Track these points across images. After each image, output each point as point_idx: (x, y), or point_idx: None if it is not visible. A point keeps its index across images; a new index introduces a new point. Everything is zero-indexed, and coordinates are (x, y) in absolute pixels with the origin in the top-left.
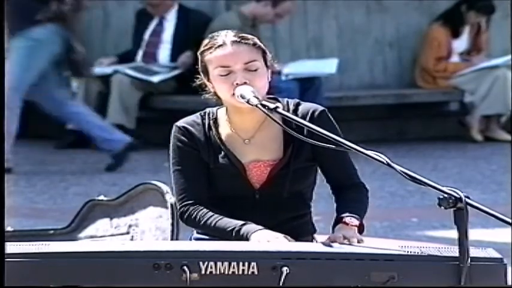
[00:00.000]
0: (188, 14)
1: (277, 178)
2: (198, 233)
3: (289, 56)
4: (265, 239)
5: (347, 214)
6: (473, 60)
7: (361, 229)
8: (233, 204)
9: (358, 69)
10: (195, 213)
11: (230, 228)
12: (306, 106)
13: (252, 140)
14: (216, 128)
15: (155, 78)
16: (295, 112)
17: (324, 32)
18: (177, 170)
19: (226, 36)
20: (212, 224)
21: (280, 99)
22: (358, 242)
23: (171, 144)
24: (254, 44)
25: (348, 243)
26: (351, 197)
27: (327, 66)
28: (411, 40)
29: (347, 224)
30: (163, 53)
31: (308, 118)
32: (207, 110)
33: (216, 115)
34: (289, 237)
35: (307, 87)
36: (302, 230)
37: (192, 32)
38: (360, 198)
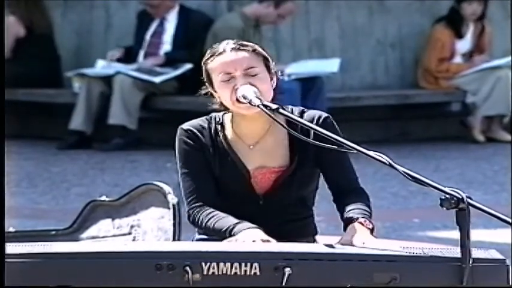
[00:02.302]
0: (189, 14)
1: (283, 185)
2: (199, 233)
3: (291, 57)
4: (250, 237)
5: (361, 215)
6: (475, 61)
7: (372, 232)
8: (237, 209)
9: (360, 69)
10: (199, 215)
11: (225, 228)
12: (311, 113)
13: (257, 146)
14: (223, 132)
15: (157, 79)
16: (300, 118)
17: (326, 33)
18: (184, 173)
19: (226, 44)
20: (212, 226)
21: (284, 106)
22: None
23: (177, 147)
24: (254, 51)
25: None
26: (358, 200)
27: (329, 66)
28: (413, 41)
29: (362, 224)
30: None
31: (314, 124)
32: (213, 114)
33: (222, 120)
34: (275, 241)
35: (309, 87)
36: (303, 232)
37: (193, 32)
38: (365, 202)
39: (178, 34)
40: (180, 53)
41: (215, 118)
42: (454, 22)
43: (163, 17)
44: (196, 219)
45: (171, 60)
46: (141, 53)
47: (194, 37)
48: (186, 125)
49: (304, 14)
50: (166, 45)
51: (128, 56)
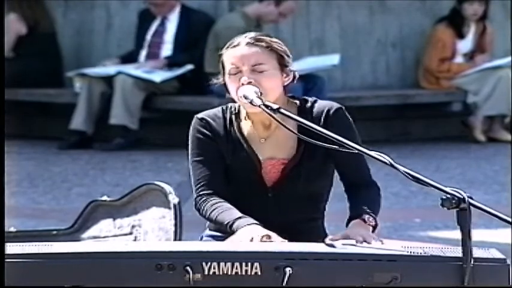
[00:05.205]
0: (190, 14)
1: (290, 177)
2: (210, 229)
3: (292, 57)
4: (248, 235)
5: (365, 212)
6: (476, 61)
7: (374, 229)
8: (247, 201)
9: (360, 69)
10: (204, 204)
11: (226, 222)
12: (321, 104)
13: (268, 139)
14: (237, 122)
15: (157, 78)
16: (311, 110)
17: (327, 33)
18: (195, 161)
19: (244, 37)
20: (215, 217)
21: (297, 96)
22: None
23: (190, 135)
24: (267, 47)
25: (365, 242)
26: (366, 196)
27: (329, 60)
28: (414, 40)
29: (365, 221)
30: (166, 53)
31: (323, 116)
32: (229, 104)
33: (238, 110)
34: (280, 238)
35: (309, 87)
36: (313, 233)
37: (194, 32)
38: (374, 197)
39: (179, 34)
40: (180, 57)
41: (230, 108)
42: (456, 22)
43: (165, 16)
44: (202, 208)
45: (171, 64)
46: (142, 53)
47: (195, 37)
48: (201, 114)
49: (305, 14)
50: (168, 45)
51: (128, 61)
